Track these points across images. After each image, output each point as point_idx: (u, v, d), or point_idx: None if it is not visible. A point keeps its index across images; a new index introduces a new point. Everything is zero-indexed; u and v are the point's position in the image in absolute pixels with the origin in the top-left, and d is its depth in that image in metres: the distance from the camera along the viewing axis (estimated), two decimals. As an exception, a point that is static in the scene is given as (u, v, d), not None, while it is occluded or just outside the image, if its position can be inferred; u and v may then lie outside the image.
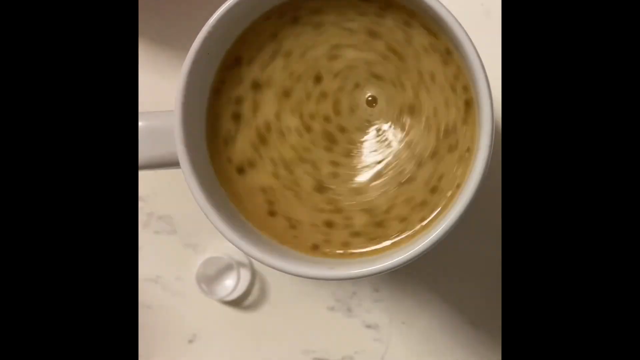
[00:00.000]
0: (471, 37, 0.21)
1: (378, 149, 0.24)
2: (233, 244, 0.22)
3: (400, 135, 0.23)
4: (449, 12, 0.22)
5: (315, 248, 0.24)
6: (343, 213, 0.24)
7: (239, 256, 0.31)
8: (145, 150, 0.23)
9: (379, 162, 0.24)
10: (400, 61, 0.23)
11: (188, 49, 0.22)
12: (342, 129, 0.24)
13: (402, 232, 0.23)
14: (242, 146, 0.24)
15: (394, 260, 0.21)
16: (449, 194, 0.23)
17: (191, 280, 0.32)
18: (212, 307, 0.32)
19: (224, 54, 0.24)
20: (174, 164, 0.23)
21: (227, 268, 0.32)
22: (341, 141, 0.24)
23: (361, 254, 0.24)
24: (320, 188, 0.24)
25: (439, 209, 0.23)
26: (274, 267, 0.22)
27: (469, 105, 0.23)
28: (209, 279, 0.32)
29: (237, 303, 0.32)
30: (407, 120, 0.23)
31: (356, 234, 0.24)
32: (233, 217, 0.23)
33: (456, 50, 0.23)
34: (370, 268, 0.22)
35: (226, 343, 0.32)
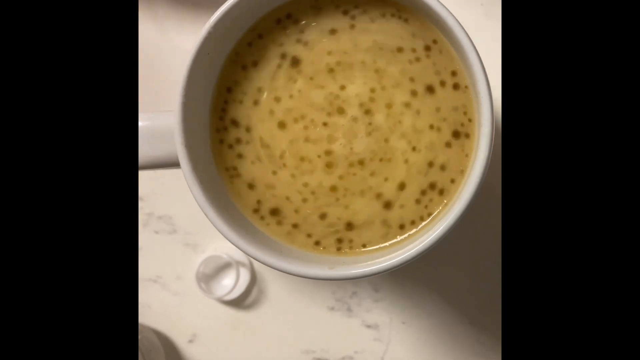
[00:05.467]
0: (471, 37, 0.21)
1: (380, 154, 0.24)
2: (233, 243, 0.22)
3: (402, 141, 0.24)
4: (449, 12, 0.22)
5: (316, 248, 0.24)
6: (344, 214, 0.24)
7: (239, 255, 0.31)
8: (145, 150, 0.23)
9: (380, 166, 0.24)
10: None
11: (188, 49, 0.22)
12: (347, 127, 0.24)
13: (402, 232, 0.23)
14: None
15: (394, 260, 0.21)
16: (449, 194, 0.23)
17: (191, 279, 0.32)
18: (212, 306, 0.32)
19: (226, 54, 0.24)
20: (174, 164, 0.23)
21: (227, 267, 0.32)
22: (347, 142, 0.24)
23: (361, 253, 0.24)
24: (323, 188, 0.24)
25: (439, 209, 0.23)
26: (273, 267, 0.22)
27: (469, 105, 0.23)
28: (208, 278, 0.32)
29: (237, 303, 0.32)
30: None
31: (356, 235, 0.24)
32: (233, 217, 0.23)
33: (456, 51, 0.23)
34: (370, 268, 0.22)
35: (226, 343, 0.32)
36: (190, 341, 0.32)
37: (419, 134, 0.23)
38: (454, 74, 0.23)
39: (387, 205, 0.24)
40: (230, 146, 0.24)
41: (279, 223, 0.24)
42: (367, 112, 0.23)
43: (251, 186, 0.24)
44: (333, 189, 0.24)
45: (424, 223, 0.23)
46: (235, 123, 0.24)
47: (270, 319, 0.32)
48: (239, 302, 0.32)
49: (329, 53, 0.24)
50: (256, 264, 0.32)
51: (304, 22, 0.24)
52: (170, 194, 0.32)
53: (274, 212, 0.24)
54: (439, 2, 0.22)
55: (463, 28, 0.22)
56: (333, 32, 0.24)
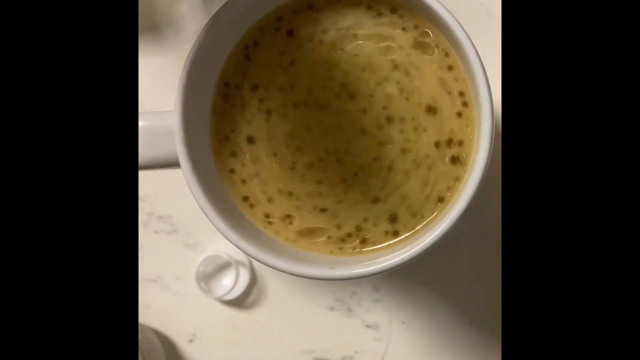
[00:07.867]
0: (471, 37, 0.21)
1: (380, 155, 0.24)
2: (233, 243, 0.22)
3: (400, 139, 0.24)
4: (449, 12, 0.22)
5: (315, 248, 0.24)
6: (345, 213, 0.24)
7: (239, 255, 0.31)
8: (145, 150, 0.23)
9: (380, 167, 0.24)
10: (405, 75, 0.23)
11: (188, 49, 0.22)
12: (348, 133, 0.24)
13: (402, 232, 0.23)
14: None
15: (394, 260, 0.21)
16: (449, 194, 0.23)
17: (191, 279, 0.32)
18: (212, 307, 0.32)
19: (227, 53, 0.24)
20: (174, 164, 0.23)
21: (227, 267, 0.32)
22: (344, 140, 0.24)
23: (361, 253, 0.24)
24: (322, 185, 0.24)
25: (439, 209, 0.23)
26: (273, 267, 0.22)
27: (467, 106, 0.23)
28: (208, 278, 0.32)
29: (237, 303, 0.32)
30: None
31: (356, 235, 0.24)
32: (233, 217, 0.23)
33: (455, 51, 0.23)
34: (370, 268, 0.22)
35: (226, 343, 0.32)
36: (190, 341, 0.32)
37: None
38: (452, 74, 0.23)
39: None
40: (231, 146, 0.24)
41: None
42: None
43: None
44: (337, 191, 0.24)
45: (424, 223, 0.23)
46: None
47: (270, 319, 0.32)
48: (239, 302, 0.32)
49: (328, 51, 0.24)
50: (256, 264, 0.32)
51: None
52: (170, 194, 0.32)
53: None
54: (439, 2, 0.22)
55: (463, 28, 0.22)
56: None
